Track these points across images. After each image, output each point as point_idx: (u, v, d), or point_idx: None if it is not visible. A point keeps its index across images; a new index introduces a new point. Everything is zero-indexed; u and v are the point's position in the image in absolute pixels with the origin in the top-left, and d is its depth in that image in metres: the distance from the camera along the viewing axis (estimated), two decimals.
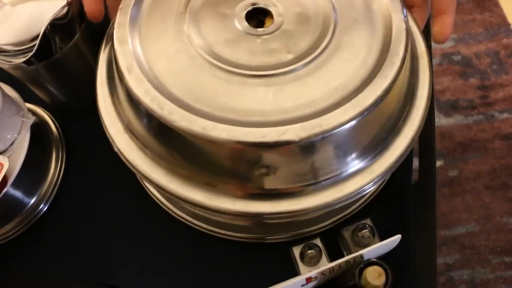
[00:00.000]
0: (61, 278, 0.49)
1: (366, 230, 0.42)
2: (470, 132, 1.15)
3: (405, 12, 0.38)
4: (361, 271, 0.35)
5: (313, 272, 0.37)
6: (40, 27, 0.44)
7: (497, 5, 1.24)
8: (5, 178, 0.44)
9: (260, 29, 0.38)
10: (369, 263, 0.36)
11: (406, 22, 0.37)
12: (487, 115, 1.17)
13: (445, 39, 0.41)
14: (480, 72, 1.21)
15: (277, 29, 0.38)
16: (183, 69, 0.36)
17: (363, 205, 0.47)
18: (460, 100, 1.18)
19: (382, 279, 0.32)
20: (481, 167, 1.11)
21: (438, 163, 1.09)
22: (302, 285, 0.37)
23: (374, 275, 0.32)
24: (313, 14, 0.39)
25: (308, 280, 0.37)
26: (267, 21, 0.39)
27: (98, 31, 0.53)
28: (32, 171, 0.50)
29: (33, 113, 0.55)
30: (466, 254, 1.03)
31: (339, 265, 0.38)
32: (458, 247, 1.03)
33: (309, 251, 0.41)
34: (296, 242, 0.45)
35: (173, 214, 0.48)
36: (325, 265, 0.42)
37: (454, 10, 0.41)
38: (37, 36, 0.45)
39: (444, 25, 0.40)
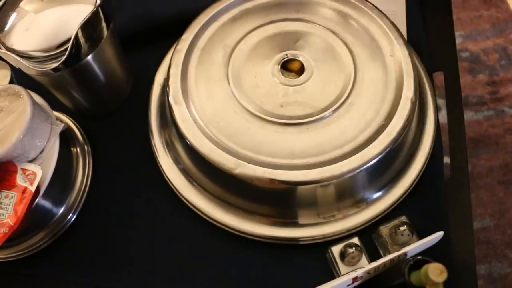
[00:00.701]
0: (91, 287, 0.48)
1: (405, 228, 0.42)
2: (481, 127, 1.15)
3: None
4: (411, 268, 0.35)
5: (359, 272, 0.36)
6: (67, 32, 0.44)
7: (503, 1, 1.25)
8: (37, 188, 0.44)
9: (293, 80, 0.48)
10: (419, 260, 0.35)
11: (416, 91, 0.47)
12: (497, 110, 1.17)
13: None
14: (488, 68, 1.21)
15: (307, 80, 0.48)
16: (235, 126, 0.46)
17: (397, 203, 0.47)
18: (470, 96, 1.18)
19: (444, 275, 0.32)
20: (493, 162, 1.11)
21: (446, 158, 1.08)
22: (348, 285, 0.37)
23: (436, 272, 0.32)
24: (337, 69, 0.48)
25: (355, 279, 0.37)
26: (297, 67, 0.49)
27: (124, 36, 0.53)
28: (61, 179, 0.49)
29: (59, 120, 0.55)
30: (482, 249, 1.02)
31: (384, 264, 0.37)
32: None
33: (350, 250, 0.41)
34: (330, 243, 0.45)
35: (206, 217, 0.48)
36: (365, 264, 0.42)
37: None
38: (64, 42, 0.45)
39: None
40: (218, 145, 0.43)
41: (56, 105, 0.55)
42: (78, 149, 0.53)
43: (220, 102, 0.47)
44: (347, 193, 0.46)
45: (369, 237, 0.46)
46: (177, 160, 0.49)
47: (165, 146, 0.50)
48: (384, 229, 0.43)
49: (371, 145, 0.43)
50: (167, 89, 0.47)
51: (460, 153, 0.48)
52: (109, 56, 0.51)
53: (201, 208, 0.47)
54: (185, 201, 0.49)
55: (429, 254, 0.41)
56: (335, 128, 0.45)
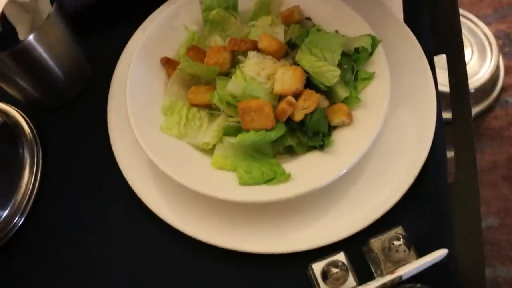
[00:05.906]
0: None
1: (401, 242, 0.35)
2: (484, 119, 1.08)
3: None
4: None
5: None
6: None
7: None
8: None
9: None
10: None
11: None
12: (501, 101, 1.10)
13: None
14: None
15: None
16: None
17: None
18: None
19: None
20: (498, 156, 1.04)
21: (451, 154, 1.02)
22: None
23: None
24: None
25: None
26: None
27: (75, 12, 0.46)
28: (1, 179, 0.45)
29: (3, 112, 0.48)
30: (486, 251, 0.96)
31: None
32: None
33: (334, 270, 0.34)
34: (314, 255, 0.38)
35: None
36: (352, 285, 0.35)
37: None
38: None
39: None
40: None
41: (2, 96, 0.49)
42: (25, 146, 0.47)
43: None
44: None
45: (359, 250, 0.39)
46: None
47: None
48: (376, 243, 0.36)
49: None
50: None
51: (467, 148, 0.41)
52: (57, 37, 0.44)
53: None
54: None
55: (429, 274, 0.34)
56: None
